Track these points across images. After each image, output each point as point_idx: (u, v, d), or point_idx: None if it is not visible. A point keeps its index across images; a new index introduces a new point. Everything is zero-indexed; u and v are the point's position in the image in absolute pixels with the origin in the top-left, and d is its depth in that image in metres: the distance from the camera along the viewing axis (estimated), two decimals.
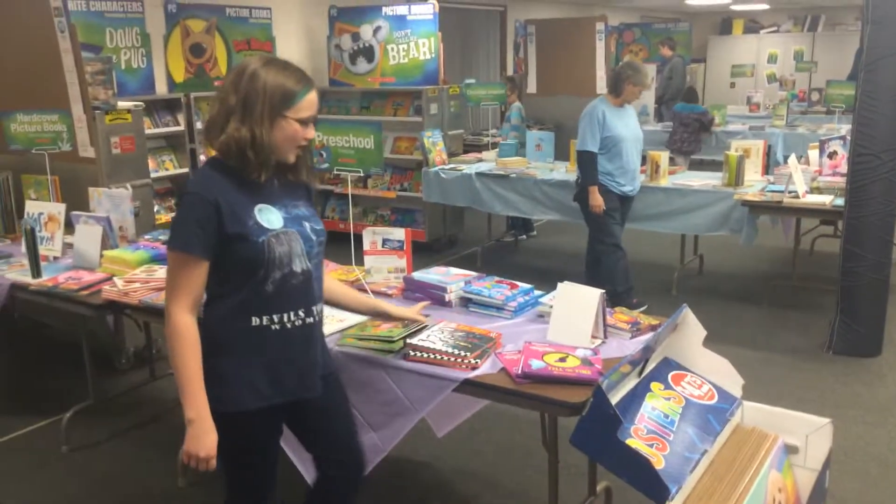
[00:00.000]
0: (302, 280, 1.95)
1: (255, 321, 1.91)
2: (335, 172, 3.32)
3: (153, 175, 5.64)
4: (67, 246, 3.65)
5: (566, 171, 5.88)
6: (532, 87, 9.56)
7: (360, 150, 3.16)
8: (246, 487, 2.07)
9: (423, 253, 6.32)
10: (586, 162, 4.78)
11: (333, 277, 2.65)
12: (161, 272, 3.16)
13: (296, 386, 2.00)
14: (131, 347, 4.34)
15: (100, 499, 3.11)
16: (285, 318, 1.94)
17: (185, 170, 6.19)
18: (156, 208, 5.89)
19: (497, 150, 6.67)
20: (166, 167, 6.15)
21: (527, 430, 3.41)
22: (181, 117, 6.17)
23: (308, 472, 2.51)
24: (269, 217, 1.91)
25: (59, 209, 3.69)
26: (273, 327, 1.92)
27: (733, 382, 2.50)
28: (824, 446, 2.44)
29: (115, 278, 3.18)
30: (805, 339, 4.56)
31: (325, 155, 3.21)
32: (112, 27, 5.77)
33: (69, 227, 3.64)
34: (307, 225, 1.98)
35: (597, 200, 4.77)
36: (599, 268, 4.95)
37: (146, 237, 3.77)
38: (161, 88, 6.24)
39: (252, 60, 1.89)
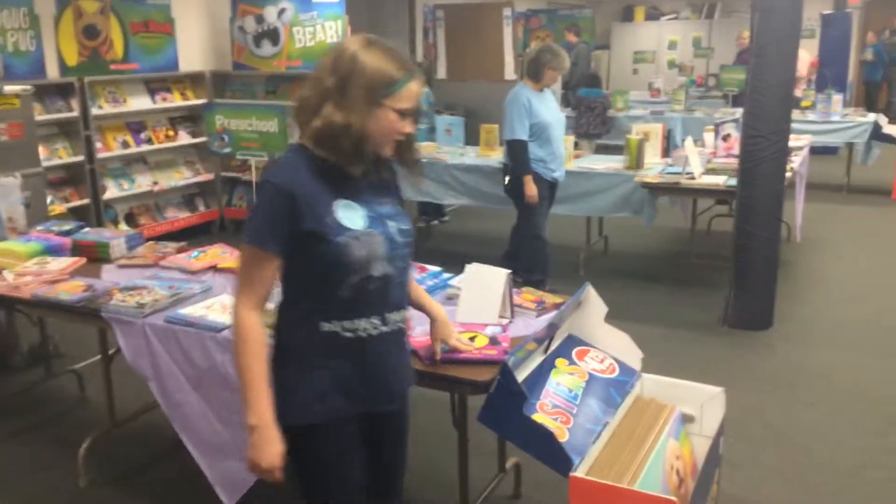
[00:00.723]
0: (380, 286, 1.78)
1: (325, 327, 1.75)
2: (239, 157, 3.22)
3: (45, 163, 5.35)
4: None
5: (476, 156, 5.93)
6: (442, 72, 9.57)
7: (263, 133, 3.10)
8: None
9: None
10: (518, 151, 4.67)
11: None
12: (54, 264, 3.03)
13: (367, 397, 1.83)
14: (25, 345, 4.13)
15: None
16: (358, 326, 1.77)
17: (81, 157, 5.92)
18: (49, 198, 5.60)
19: None
20: (60, 155, 5.86)
21: (438, 412, 3.44)
22: (75, 102, 5.88)
23: (224, 494, 2.46)
24: (351, 215, 1.74)
25: None
26: (345, 335, 1.76)
27: (633, 356, 2.60)
28: (718, 414, 2.57)
29: (4, 272, 3.01)
30: (702, 314, 4.77)
31: (226, 139, 3.13)
32: None
33: None
34: (392, 225, 1.80)
35: (533, 190, 4.68)
36: (523, 256, 4.91)
37: (38, 228, 3.59)
38: (53, 72, 5.92)
39: (353, 41, 1.74)
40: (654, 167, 5.35)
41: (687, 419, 2.52)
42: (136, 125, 6.52)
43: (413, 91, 1.76)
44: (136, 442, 3.32)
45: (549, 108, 4.78)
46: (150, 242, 3.42)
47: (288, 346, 1.78)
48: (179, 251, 3.25)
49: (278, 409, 1.73)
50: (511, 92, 4.78)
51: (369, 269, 1.74)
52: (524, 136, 4.65)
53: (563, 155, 4.91)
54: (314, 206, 1.70)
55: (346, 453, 1.85)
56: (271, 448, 1.70)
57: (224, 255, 3.21)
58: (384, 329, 1.82)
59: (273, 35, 6.97)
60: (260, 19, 6.99)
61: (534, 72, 4.75)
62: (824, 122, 8.30)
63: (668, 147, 5.80)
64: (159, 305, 2.59)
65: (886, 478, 3.04)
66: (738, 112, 7.44)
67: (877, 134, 8.10)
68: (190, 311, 2.55)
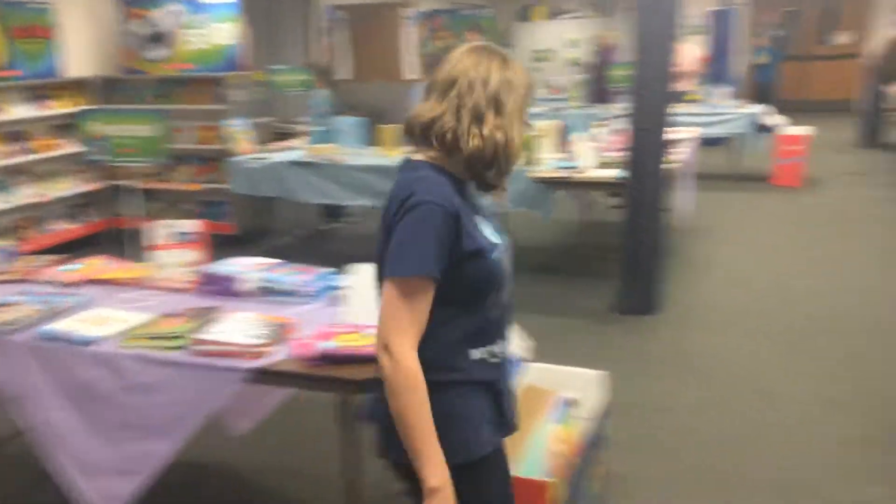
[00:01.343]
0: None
1: (474, 354, 1.65)
2: (117, 164, 3.13)
3: None
4: None
5: (374, 156, 5.93)
6: (344, 72, 9.52)
7: (142, 139, 3.02)
8: None
9: (235, 245, 6.10)
10: None
11: None
12: None
13: (502, 425, 1.75)
14: None
15: None
16: (503, 349, 1.72)
17: None
18: None
19: (308, 137, 6.61)
20: None
21: (329, 414, 3.42)
22: None
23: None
24: (491, 230, 1.69)
25: None
26: (491, 360, 1.68)
27: (520, 346, 2.66)
28: (600, 397, 2.67)
29: None
30: (596, 303, 4.93)
31: (103, 146, 3.04)
32: None
33: None
34: (504, 237, 1.76)
35: None
36: None
37: None
38: None
39: (488, 55, 1.64)
40: (549, 162, 5.47)
41: (571, 403, 2.60)
42: (15, 134, 6.21)
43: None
44: (13, 467, 3.18)
45: None
46: (27, 256, 3.28)
47: (441, 378, 1.61)
48: (55, 263, 3.13)
49: (455, 445, 1.60)
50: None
51: (507, 284, 1.71)
52: None
53: None
54: (469, 225, 1.61)
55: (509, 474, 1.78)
56: None
57: (106, 265, 3.10)
58: (507, 349, 1.76)
59: (163, 38, 6.78)
60: (149, 22, 6.78)
61: None
62: (711, 114, 8.68)
63: (566, 142, 5.94)
64: (29, 321, 2.48)
65: (767, 452, 3.21)
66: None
67: (760, 125, 8.54)
68: (63, 325, 2.45)
